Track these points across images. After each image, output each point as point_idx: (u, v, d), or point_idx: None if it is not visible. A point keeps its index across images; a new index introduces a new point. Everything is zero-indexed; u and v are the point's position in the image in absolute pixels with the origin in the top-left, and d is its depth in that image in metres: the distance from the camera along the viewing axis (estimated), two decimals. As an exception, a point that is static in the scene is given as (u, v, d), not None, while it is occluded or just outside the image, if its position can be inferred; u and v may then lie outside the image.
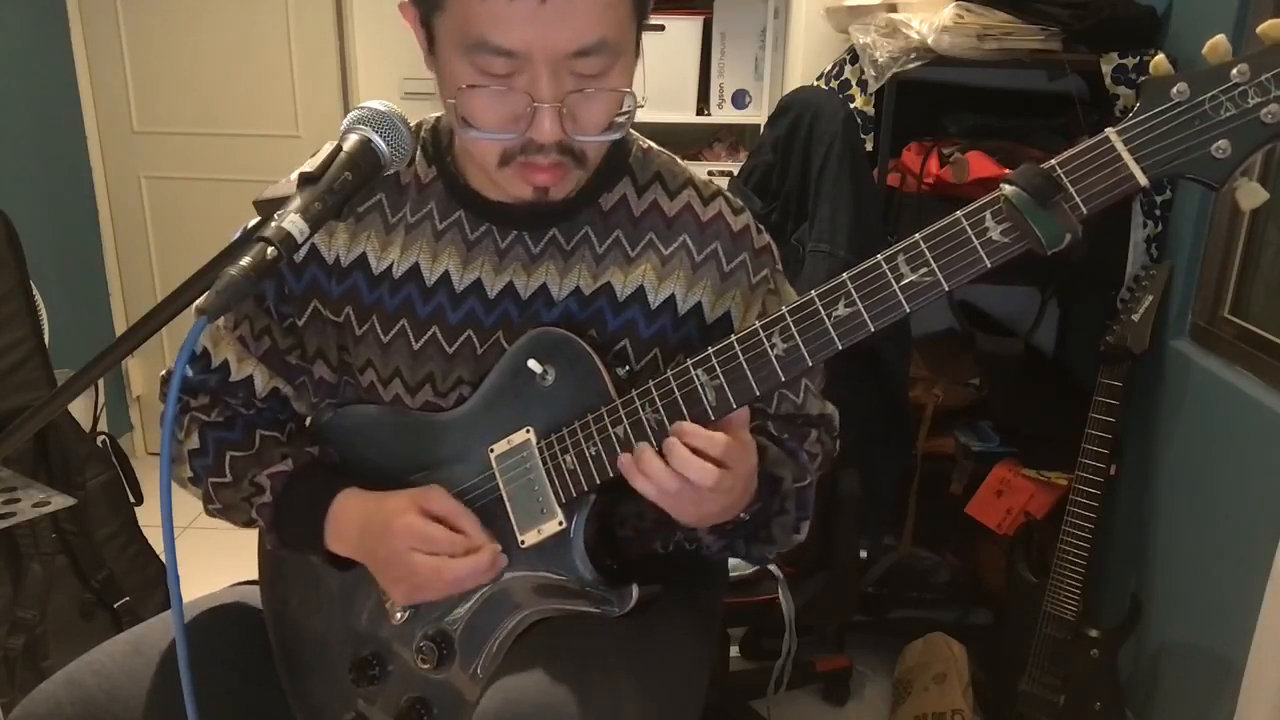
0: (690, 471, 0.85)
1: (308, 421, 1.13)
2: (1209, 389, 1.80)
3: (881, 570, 2.30)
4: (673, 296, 1.02)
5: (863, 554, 2.17)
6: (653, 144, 1.09)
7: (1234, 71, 0.72)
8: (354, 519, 1.01)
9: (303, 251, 1.03)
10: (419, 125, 1.06)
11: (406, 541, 0.96)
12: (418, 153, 1.05)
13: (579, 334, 0.97)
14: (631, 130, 1.08)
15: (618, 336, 1.02)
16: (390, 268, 1.03)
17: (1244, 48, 0.74)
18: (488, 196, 1.02)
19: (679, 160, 1.09)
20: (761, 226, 1.08)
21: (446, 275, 1.02)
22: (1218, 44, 0.73)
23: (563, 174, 0.92)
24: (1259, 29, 0.72)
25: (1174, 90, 0.74)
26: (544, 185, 0.92)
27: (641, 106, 0.95)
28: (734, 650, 2.29)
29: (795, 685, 2.11)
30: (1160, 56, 0.76)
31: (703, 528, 0.98)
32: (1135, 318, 1.82)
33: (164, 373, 1.13)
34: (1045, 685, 1.88)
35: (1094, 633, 1.83)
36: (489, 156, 0.92)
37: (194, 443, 1.07)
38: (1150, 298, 1.83)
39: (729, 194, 1.08)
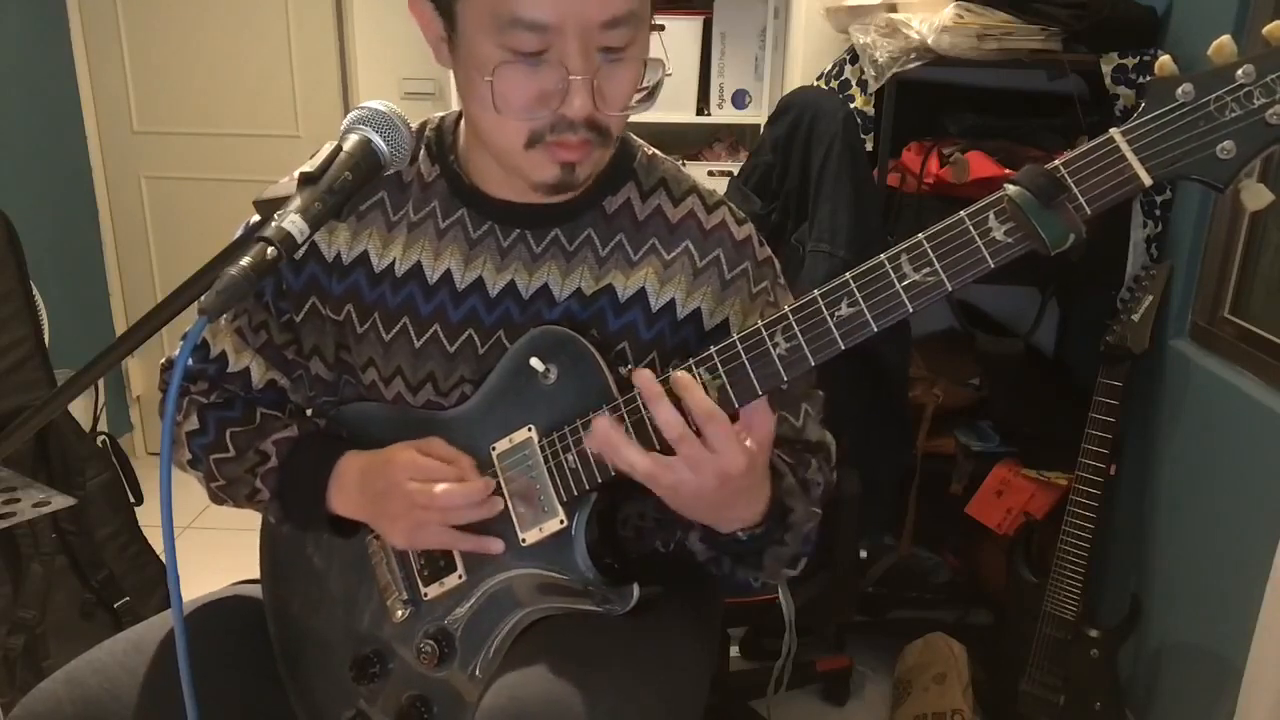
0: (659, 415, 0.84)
1: (308, 414, 1.14)
2: (1209, 389, 1.80)
3: (881, 570, 2.30)
4: (673, 301, 1.02)
5: (863, 554, 2.17)
6: (657, 151, 1.09)
7: (1239, 72, 0.72)
8: (355, 467, 1.02)
9: (302, 249, 1.03)
10: (424, 124, 1.07)
11: (404, 472, 0.97)
12: (421, 151, 1.05)
13: (580, 333, 0.97)
14: (635, 138, 1.08)
15: (618, 338, 1.02)
16: (392, 266, 1.03)
17: (1245, 48, 0.74)
18: (491, 195, 1.02)
19: (683, 168, 1.09)
20: (764, 239, 1.09)
21: (448, 274, 1.02)
22: (1223, 45, 0.73)
23: (589, 151, 0.92)
24: (1265, 30, 0.72)
25: (1179, 91, 0.74)
26: (572, 161, 0.92)
27: (670, 75, 0.95)
28: (734, 650, 2.29)
29: (795, 685, 2.11)
30: (1166, 57, 0.76)
31: (693, 527, 0.97)
32: (1135, 318, 1.82)
33: (164, 360, 1.13)
34: (1045, 685, 1.88)
35: (1094, 633, 1.83)
36: (516, 139, 0.91)
37: (193, 423, 1.07)
38: (1150, 298, 1.83)
39: (733, 205, 1.08)
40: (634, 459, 0.86)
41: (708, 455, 0.84)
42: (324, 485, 1.03)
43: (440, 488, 0.96)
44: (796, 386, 1.06)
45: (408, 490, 0.96)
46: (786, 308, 0.85)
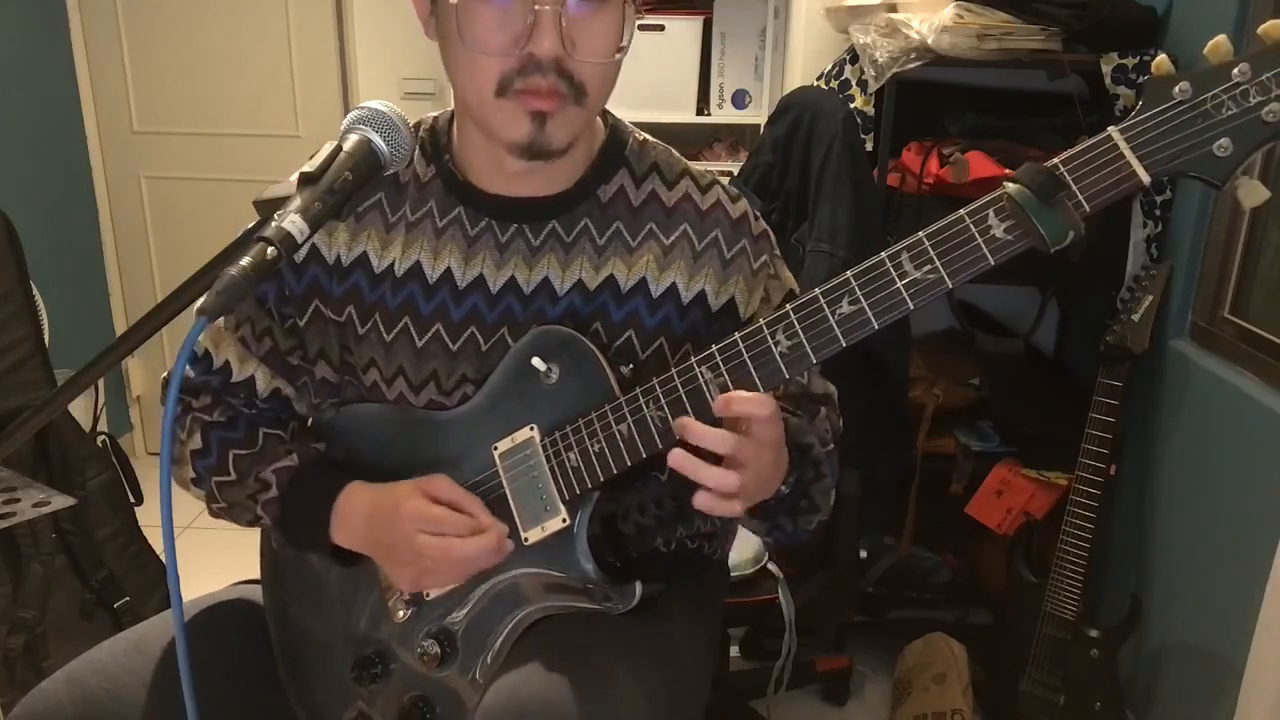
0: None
1: (309, 422, 1.13)
2: (1209, 389, 1.80)
3: (881, 570, 2.30)
4: (674, 285, 1.02)
5: (863, 554, 2.18)
6: (649, 137, 1.09)
7: (1235, 71, 0.73)
8: (360, 508, 1.01)
9: (303, 252, 1.03)
10: (418, 124, 1.07)
11: (413, 524, 0.96)
12: (416, 152, 1.05)
13: (584, 327, 0.97)
14: (627, 124, 1.08)
15: (623, 328, 1.02)
16: (392, 266, 1.03)
17: (1244, 47, 0.74)
18: (486, 190, 1.02)
19: (675, 151, 1.09)
20: (758, 214, 1.09)
21: (449, 272, 1.02)
22: (1219, 44, 0.74)
23: (561, 103, 0.91)
24: (1260, 29, 0.73)
25: (1176, 89, 0.74)
26: (542, 110, 0.91)
27: (641, 16, 0.95)
28: (734, 650, 2.29)
29: (795, 685, 2.11)
30: (1163, 56, 0.77)
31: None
32: (1135, 318, 1.82)
33: (165, 375, 1.13)
34: (1045, 685, 1.88)
35: (1094, 633, 1.83)
36: (487, 86, 0.91)
37: (196, 443, 1.06)
38: (1150, 298, 1.83)
39: (725, 183, 1.08)
40: (718, 475, 0.86)
41: (758, 445, 0.86)
42: (325, 521, 1.02)
43: (454, 543, 0.95)
44: None
45: (418, 545, 0.95)
46: (788, 306, 0.85)
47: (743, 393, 0.86)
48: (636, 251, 1.02)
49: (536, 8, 0.86)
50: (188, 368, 1.07)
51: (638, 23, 0.95)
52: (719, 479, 0.85)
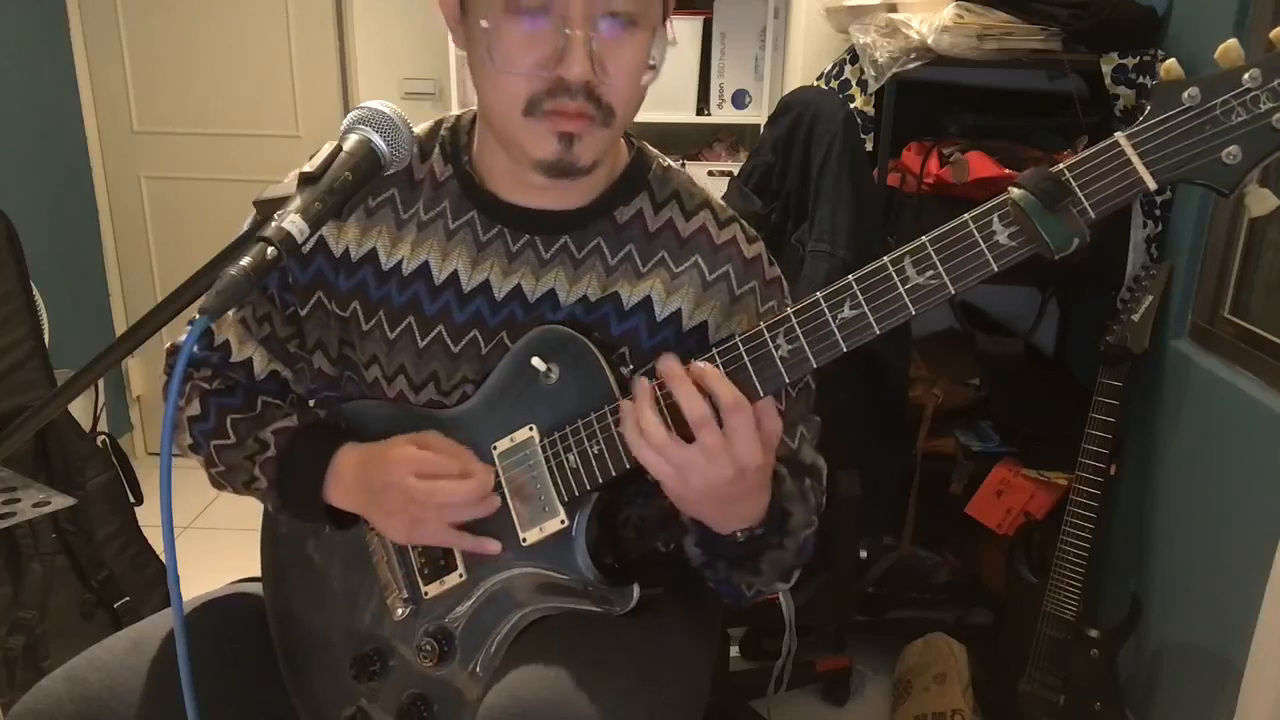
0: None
1: (310, 403, 1.14)
2: (1209, 389, 1.80)
3: (881, 570, 2.30)
4: (679, 311, 1.02)
5: (863, 554, 2.17)
6: (673, 164, 1.09)
7: (1246, 77, 0.72)
8: (354, 461, 1.02)
9: (310, 243, 1.03)
10: (439, 122, 1.07)
11: (403, 467, 0.97)
12: (435, 150, 1.05)
13: (583, 334, 0.97)
14: (651, 149, 1.08)
15: (620, 343, 1.02)
16: (400, 264, 1.03)
17: (1248, 49, 0.73)
18: (503, 199, 1.02)
19: (697, 182, 1.09)
20: (773, 259, 1.08)
21: (455, 275, 1.02)
22: (1229, 49, 0.73)
23: (589, 125, 0.91)
24: (1272, 34, 0.72)
25: (1185, 95, 0.73)
26: (570, 132, 0.90)
27: (673, 43, 0.94)
28: (734, 650, 2.29)
29: (795, 685, 2.11)
30: (1172, 60, 0.75)
31: (689, 530, 0.96)
32: (1135, 318, 1.82)
33: (169, 344, 1.13)
34: (1045, 685, 1.88)
35: (1094, 633, 1.83)
36: (514, 104, 0.90)
37: (195, 409, 1.08)
38: (1150, 298, 1.83)
39: (744, 221, 1.08)
40: (652, 425, 0.84)
41: (726, 445, 0.83)
42: (321, 477, 1.03)
43: (439, 484, 0.95)
44: (794, 410, 1.05)
45: (406, 486, 0.96)
46: (789, 310, 0.85)
47: (719, 372, 0.84)
48: (644, 277, 1.02)
49: (568, 31, 0.86)
50: (193, 347, 1.07)
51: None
52: (640, 415, 0.84)
